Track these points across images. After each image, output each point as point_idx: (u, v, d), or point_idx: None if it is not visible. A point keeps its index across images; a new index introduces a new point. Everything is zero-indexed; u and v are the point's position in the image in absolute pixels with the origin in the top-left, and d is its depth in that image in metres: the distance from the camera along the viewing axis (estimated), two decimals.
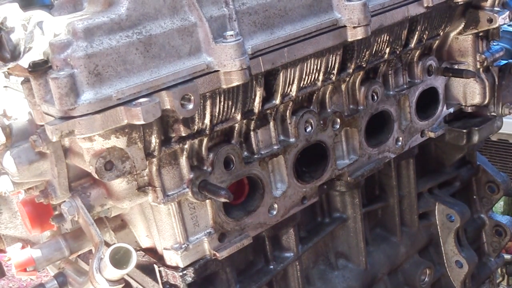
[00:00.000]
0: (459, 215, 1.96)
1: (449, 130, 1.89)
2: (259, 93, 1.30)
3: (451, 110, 1.88)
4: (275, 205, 1.46)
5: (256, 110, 1.32)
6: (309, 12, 1.31)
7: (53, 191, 1.26)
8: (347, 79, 1.52)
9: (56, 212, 1.34)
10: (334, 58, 1.40)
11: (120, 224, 1.43)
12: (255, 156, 1.39)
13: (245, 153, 1.40)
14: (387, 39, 1.52)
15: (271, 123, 1.41)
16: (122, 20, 1.07)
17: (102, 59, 1.04)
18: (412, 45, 1.62)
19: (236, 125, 1.32)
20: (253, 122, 1.37)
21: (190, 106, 1.11)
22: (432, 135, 1.83)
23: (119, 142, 1.13)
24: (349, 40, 1.36)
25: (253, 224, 1.43)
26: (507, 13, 1.71)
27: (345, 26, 1.34)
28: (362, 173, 1.64)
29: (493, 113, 1.93)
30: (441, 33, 1.71)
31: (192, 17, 1.14)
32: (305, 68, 1.35)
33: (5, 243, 1.85)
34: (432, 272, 1.97)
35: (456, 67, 1.82)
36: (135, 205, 1.30)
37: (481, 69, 1.83)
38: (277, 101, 1.36)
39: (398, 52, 1.59)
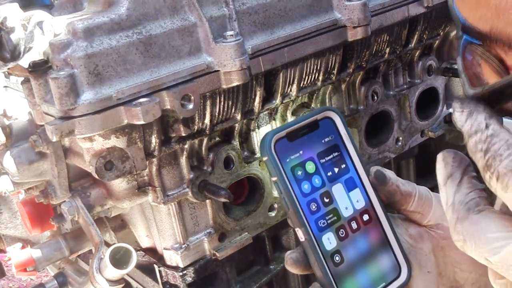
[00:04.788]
0: None
1: (449, 130, 1.88)
2: (259, 93, 1.30)
3: (451, 110, 1.88)
4: (275, 205, 1.46)
5: (256, 110, 1.32)
6: (309, 12, 1.31)
7: (53, 191, 1.26)
8: (347, 79, 1.52)
9: (56, 212, 1.34)
10: (334, 58, 1.40)
11: (120, 224, 1.43)
12: (255, 156, 1.39)
13: (245, 153, 1.40)
14: (387, 39, 1.52)
15: (272, 123, 1.41)
16: (122, 20, 1.07)
17: (102, 59, 1.04)
18: (412, 45, 1.62)
19: (236, 125, 1.32)
20: (253, 122, 1.37)
21: (190, 106, 1.11)
22: (432, 135, 1.83)
23: (119, 142, 1.13)
24: (349, 40, 1.35)
25: (253, 224, 1.43)
26: None
27: (345, 26, 1.34)
28: None
29: None
30: (441, 33, 1.71)
31: (192, 17, 1.14)
32: (305, 68, 1.35)
33: (5, 243, 1.85)
34: None
35: (456, 67, 1.82)
36: (135, 205, 1.30)
37: None
38: (277, 101, 1.36)
39: (398, 52, 1.59)
